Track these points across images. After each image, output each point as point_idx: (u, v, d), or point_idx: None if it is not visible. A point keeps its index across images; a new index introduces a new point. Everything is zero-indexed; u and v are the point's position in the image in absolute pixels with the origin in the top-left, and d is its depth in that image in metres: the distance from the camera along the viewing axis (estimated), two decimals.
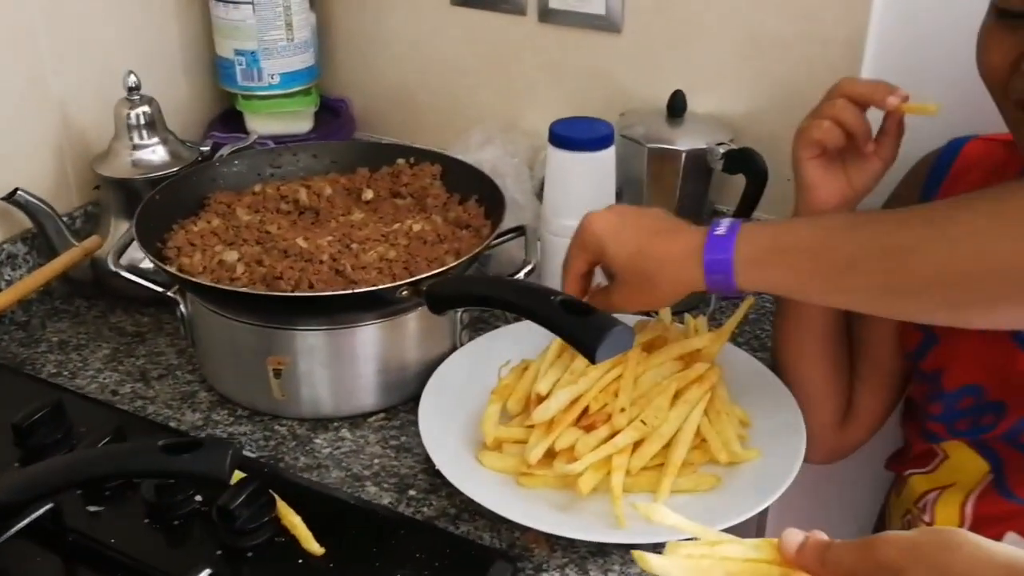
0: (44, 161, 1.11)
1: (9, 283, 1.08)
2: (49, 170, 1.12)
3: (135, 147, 1.07)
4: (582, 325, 0.68)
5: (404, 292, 0.84)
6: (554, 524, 0.77)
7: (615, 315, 0.72)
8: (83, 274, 1.09)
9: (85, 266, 1.07)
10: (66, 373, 1.00)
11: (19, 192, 1.04)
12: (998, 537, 0.83)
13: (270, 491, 0.79)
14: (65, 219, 1.09)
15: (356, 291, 0.83)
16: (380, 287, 0.83)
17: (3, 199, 1.04)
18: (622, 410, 0.82)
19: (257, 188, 1.04)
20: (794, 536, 0.57)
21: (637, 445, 0.83)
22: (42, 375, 1.00)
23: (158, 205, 0.97)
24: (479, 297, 0.78)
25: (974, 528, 0.77)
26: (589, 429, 0.82)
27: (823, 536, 0.57)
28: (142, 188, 1.04)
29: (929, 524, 0.91)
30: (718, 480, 0.83)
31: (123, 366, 1.01)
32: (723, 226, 0.75)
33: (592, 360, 0.67)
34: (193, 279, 0.86)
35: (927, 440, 0.91)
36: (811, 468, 0.85)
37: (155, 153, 1.08)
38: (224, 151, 1.11)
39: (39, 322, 1.09)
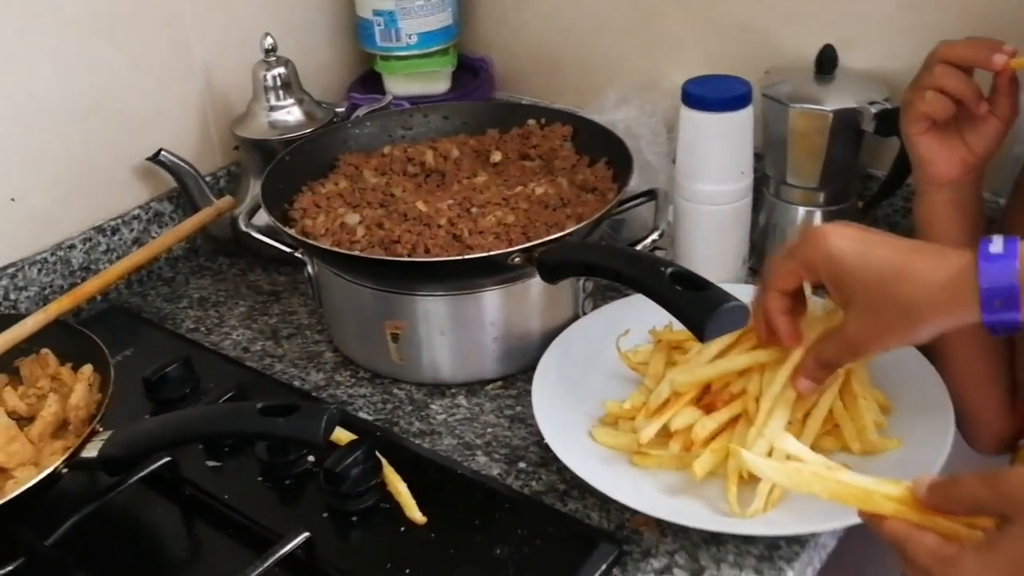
0: (188, 123, 1.15)
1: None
2: (193, 132, 1.15)
3: (271, 108, 1.08)
4: (691, 299, 0.63)
5: (516, 259, 0.81)
6: (664, 508, 0.73)
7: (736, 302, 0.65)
8: (224, 233, 1.12)
9: (225, 225, 1.10)
10: (203, 329, 1.04)
11: (163, 153, 1.07)
12: None
13: (377, 455, 0.79)
14: (209, 179, 1.12)
15: (465, 257, 0.81)
16: (490, 253, 0.81)
17: (148, 159, 1.07)
18: (744, 391, 0.77)
19: (386, 150, 1.03)
20: (925, 478, 0.56)
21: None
22: (181, 330, 1.03)
23: (287, 166, 0.98)
24: (588, 265, 0.74)
25: None
26: (709, 410, 0.78)
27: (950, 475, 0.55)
28: (277, 148, 1.06)
29: None
30: (848, 468, 0.76)
31: (256, 324, 1.04)
32: (997, 243, 0.61)
33: (701, 338, 0.62)
34: (310, 241, 0.86)
35: None
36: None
37: (291, 114, 1.09)
38: (358, 112, 1.11)
39: (183, 278, 1.13)
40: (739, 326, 0.62)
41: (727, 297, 0.62)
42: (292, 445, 0.78)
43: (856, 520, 0.70)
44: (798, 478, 0.56)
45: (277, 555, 0.70)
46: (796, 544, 0.73)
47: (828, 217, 1.01)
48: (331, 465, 0.76)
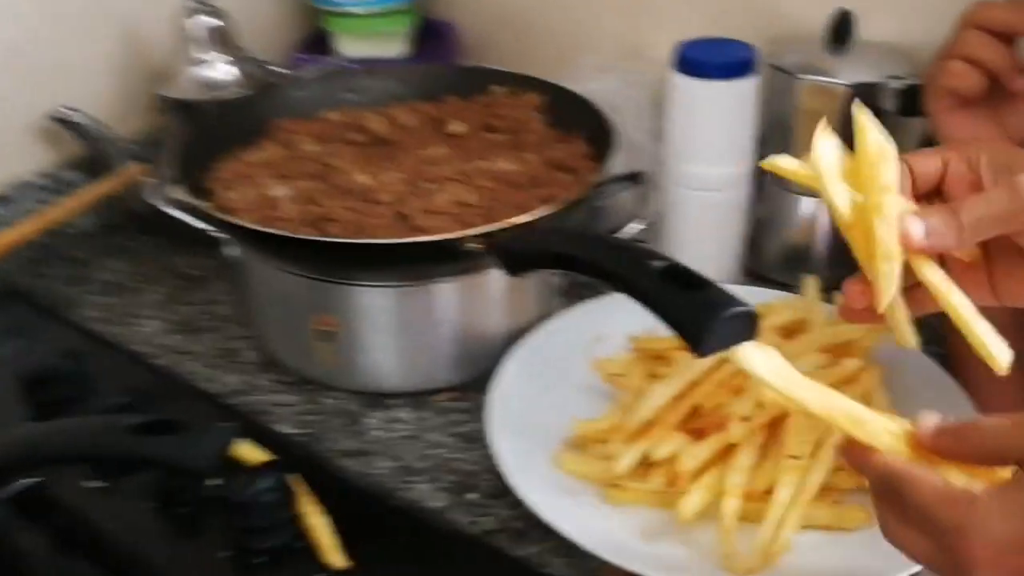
0: (104, 80, 0.99)
1: None
2: (110, 90, 1.00)
3: (199, 65, 0.94)
4: (686, 302, 0.49)
5: (473, 245, 0.66)
6: (642, 560, 0.59)
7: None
8: (148, 208, 0.97)
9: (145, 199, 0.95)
10: (108, 319, 0.89)
11: (68, 111, 0.92)
12: None
13: (291, 485, 0.64)
14: (133, 145, 0.97)
15: (412, 241, 0.66)
16: (442, 237, 0.66)
17: (54, 119, 0.92)
18: (744, 419, 0.63)
19: (328, 115, 0.89)
20: (931, 418, 0.47)
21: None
22: (81, 320, 0.88)
23: (210, 129, 0.83)
24: (558, 256, 0.60)
25: None
26: (699, 436, 0.64)
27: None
28: (207, 111, 0.91)
29: None
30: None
31: (172, 314, 0.89)
32: None
33: (697, 351, 0.48)
34: (223, 216, 0.71)
35: None
36: None
37: (224, 73, 0.94)
38: (300, 73, 0.96)
39: (93, 259, 0.98)
40: (747, 337, 0.48)
41: (732, 300, 0.48)
42: (174, 473, 0.64)
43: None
44: (793, 382, 0.47)
45: None
46: None
47: None
48: (231, 495, 0.61)
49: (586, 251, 0.56)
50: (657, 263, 0.52)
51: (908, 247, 0.48)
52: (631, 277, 0.52)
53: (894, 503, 0.46)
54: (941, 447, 0.46)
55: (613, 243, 0.56)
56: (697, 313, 0.48)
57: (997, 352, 0.47)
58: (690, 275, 0.51)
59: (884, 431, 0.47)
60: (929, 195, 0.52)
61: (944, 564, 0.45)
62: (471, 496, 0.68)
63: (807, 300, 0.77)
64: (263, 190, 0.76)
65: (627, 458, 0.63)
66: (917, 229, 0.48)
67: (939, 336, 0.81)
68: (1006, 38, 0.65)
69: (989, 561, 0.42)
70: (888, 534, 0.47)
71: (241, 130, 0.86)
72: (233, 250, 0.80)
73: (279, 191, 0.76)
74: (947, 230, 0.49)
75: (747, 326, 0.48)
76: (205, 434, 0.52)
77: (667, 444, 0.64)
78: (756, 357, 0.47)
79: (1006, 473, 0.45)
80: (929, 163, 0.52)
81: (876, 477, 0.47)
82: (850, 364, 0.68)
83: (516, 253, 0.63)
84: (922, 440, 0.46)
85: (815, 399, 0.48)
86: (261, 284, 0.79)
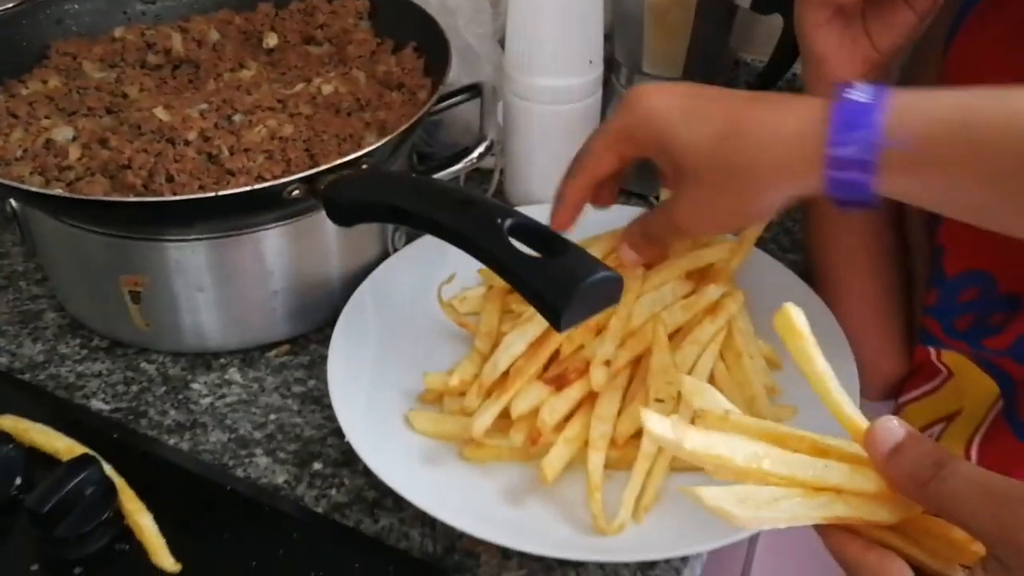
0: None
1: None
2: None
3: None
4: (541, 270, 0.43)
5: (295, 192, 0.58)
6: (504, 528, 0.55)
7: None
8: None
9: None
10: None
11: None
12: None
13: (110, 478, 0.57)
14: None
15: (220, 194, 0.57)
16: (257, 187, 0.58)
17: None
18: (606, 363, 0.59)
19: (117, 33, 0.77)
20: (891, 431, 0.41)
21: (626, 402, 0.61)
22: None
23: None
24: (394, 210, 0.52)
25: None
26: (559, 387, 0.59)
27: (930, 444, 0.40)
28: None
29: None
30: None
31: None
32: (860, 92, 0.48)
33: (556, 325, 0.42)
34: None
35: (923, 342, 0.70)
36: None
37: None
38: None
39: None
40: (609, 304, 0.43)
41: (593, 265, 0.43)
42: None
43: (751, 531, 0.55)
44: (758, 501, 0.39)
45: None
46: (677, 559, 0.57)
47: None
48: (36, 504, 0.53)
49: (426, 207, 0.49)
50: (506, 220, 0.45)
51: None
52: (477, 238, 0.46)
53: None
54: (897, 480, 0.40)
55: (455, 196, 0.49)
56: (555, 282, 0.42)
57: (856, 417, 0.43)
58: (544, 234, 0.45)
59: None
60: None
61: None
62: (316, 466, 0.62)
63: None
64: (42, 133, 0.65)
65: (485, 416, 0.58)
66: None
67: (798, 243, 0.79)
68: None
69: None
70: None
71: (11, 56, 0.73)
72: (14, 204, 0.69)
73: (62, 133, 0.65)
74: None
75: (610, 293, 0.42)
76: None
77: (527, 397, 0.59)
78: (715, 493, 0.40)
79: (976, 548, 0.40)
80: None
81: (834, 558, 0.43)
82: (713, 291, 0.64)
83: (345, 204, 0.55)
84: (874, 458, 0.41)
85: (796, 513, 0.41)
86: (54, 242, 0.68)
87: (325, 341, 0.66)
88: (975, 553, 0.40)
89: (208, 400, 0.66)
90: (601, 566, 0.56)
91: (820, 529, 0.42)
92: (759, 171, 0.51)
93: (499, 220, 0.45)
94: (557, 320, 0.42)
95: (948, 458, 0.39)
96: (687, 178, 0.53)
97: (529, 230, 0.45)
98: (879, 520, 0.41)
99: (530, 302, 0.44)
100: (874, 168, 0.48)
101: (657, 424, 0.38)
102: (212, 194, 0.57)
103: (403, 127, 0.63)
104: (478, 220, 0.46)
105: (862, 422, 0.42)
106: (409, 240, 0.74)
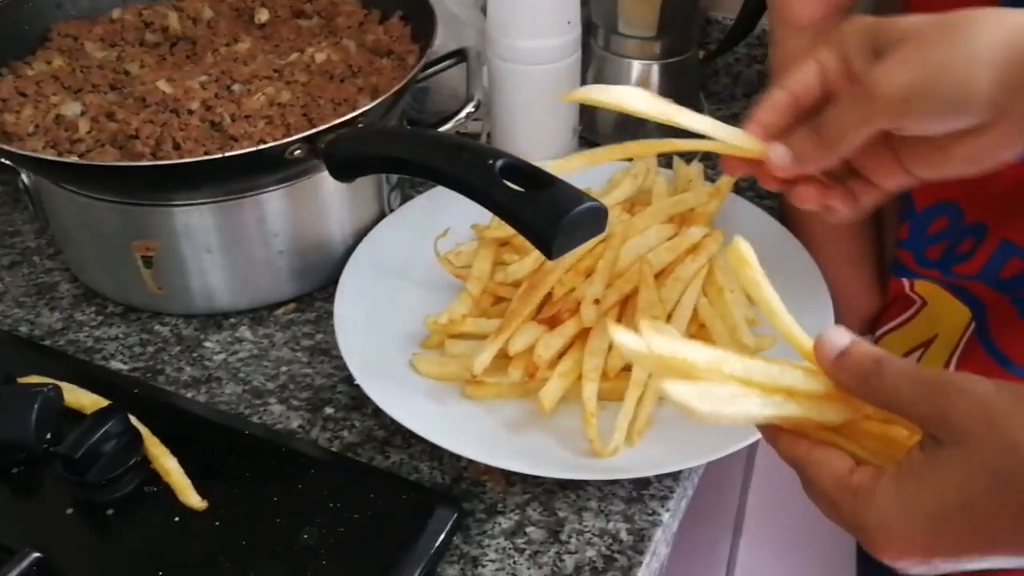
0: None
1: None
2: None
3: None
4: (531, 202, 0.47)
5: (297, 152, 0.62)
6: (507, 454, 0.59)
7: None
8: None
9: None
10: None
11: None
12: None
13: (135, 423, 0.60)
14: None
15: (227, 155, 0.61)
16: (261, 147, 0.61)
17: None
18: (595, 302, 0.63)
19: (115, 14, 0.80)
20: (836, 339, 0.43)
21: None
22: None
23: None
24: (391, 160, 0.56)
25: None
26: (553, 325, 0.63)
27: (870, 347, 0.42)
28: None
29: None
30: None
31: None
32: None
33: (548, 253, 0.46)
34: (4, 146, 0.63)
35: (897, 274, 0.74)
36: None
37: None
38: None
39: None
40: (596, 233, 0.46)
41: (579, 197, 0.46)
42: None
43: (743, 443, 0.59)
44: (679, 347, 0.42)
45: None
46: (669, 478, 0.61)
47: (667, 71, 0.87)
48: (68, 450, 0.57)
49: (421, 153, 0.53)
50: (497, 161, 0.49)
51: (783, 174, 0.50)
52: (471, 179, 0.49)
53: (803, 484, 0.45)
54: (841, 379, 0.43)
55: (448, 142, 0.53)
56: (545, 214, 0.46)
57: (803, 336, 0.45)
58: (533, 172, 0.48)
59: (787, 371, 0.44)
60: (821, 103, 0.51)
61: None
62: (328, 411, 0.66)
63: (646, 166, 0.76)
64: (51, 109, 0.68)
65: (484, 355, 0.62)
66: (780, 155, 0.50)
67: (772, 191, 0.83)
68: None
69: (891, 553, 0.41)
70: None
71: (14, 39, 0.76)
72: (26, 178, 0.73)
73: (71, 108, 0.68)
74: (813, 150, 0.50)
75: (596, 221, 0.46)
76: (20, 405, 0.47)
77: (523, 336, 0.62)
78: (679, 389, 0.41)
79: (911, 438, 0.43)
80: (805, 77, 0.51)
81: (784, 458, 0.45)
82: (694, 232, 0.68)
83: (345, 159, 0.59)
84: (821, 363, 0.44)
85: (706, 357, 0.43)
86: (67, 213, 0.72)
87: (329, 298, 0.70)
88: (878, 430, 0.44)
89: (221, 356, 0.70)
90: (599, 487, 0.60)
91: (771, 432, 0.45)
92: (978, 31, 0.46)
93: (491, 161, 0.49)
94: (548, 249, 0.46)
95: (885, 356, 0.42)
96: (908, 46, 0.47)
97: (519, 169, 0.49)
98: (827, 420, 0.43)
99: (523, 234, 0.47)
100: None
101: (625, 337, 0.41)
102: (220, 155, 0.60)
103: (395, 88, 0.66)
104: (471, 162, 0.49)
105: (808, 340, 0.45)
106: (404, 201, 0.78)
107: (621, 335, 0.41)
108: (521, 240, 0.70)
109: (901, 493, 0.41)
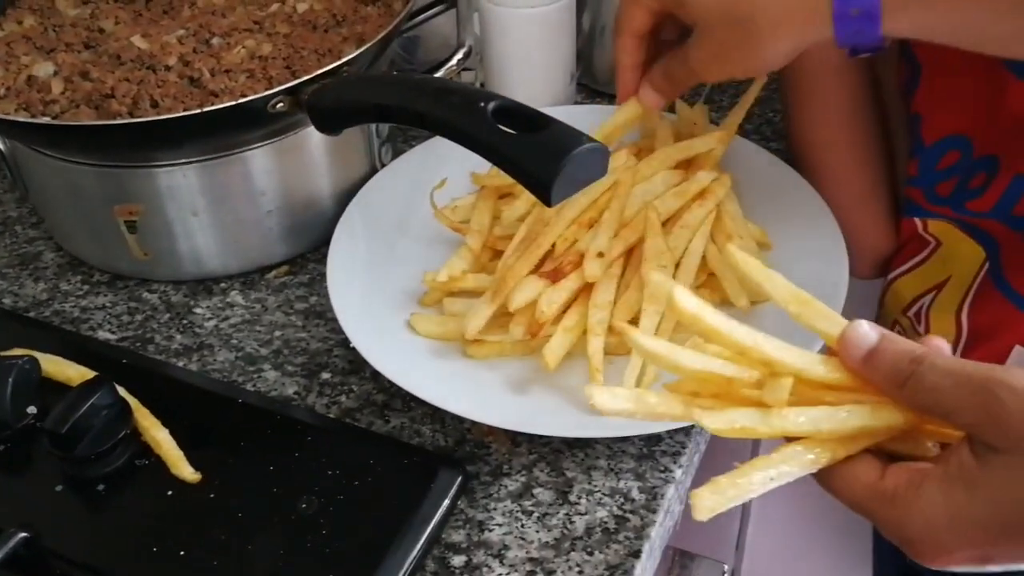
0: None
1: None
2: None
3: None
4: (527, 146, 0.44)
5: (280, 105, 0.59)
6: (512, 415, 0.56)
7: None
8: None
9: None
10: None
11: None
12: (1005, 352, 0.64)
13: (124, 398, 0.58)
14: None
15: (208, 109, 0.58)
16: (242, 100, 0.58)
17: None
18: (599, 255, 0.60)
19: None
20: (863, 336, 0.40)
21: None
22: None
23: None
24: (378, 108, 0.53)
25: (972, 342, 0.65)
26: (555, 279, 0.60)
27: (904, 343, 0.40)
28: None
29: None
30: None
31: None
32: None
33: (547, 200, 0.43)
34: None
35: (908, 213, 0.71)
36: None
37: None
38: None
39: None
40: (596, 176, 0.43)
41: (578, 137, 0.43)
42: None
43: None
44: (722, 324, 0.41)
45: None
46: (680, 433, 0.58)
47: None
48: (54, 425, 0.54)
49: (408, 99, 0.50)
50: (489, 103, 0.46)
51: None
52: (461, 123, 0.46)
53: (833, 494, 0.42)
54: (875, 379, 0.40)
55: (435, 86, 0.49)
56: (542, 157, 0.43)
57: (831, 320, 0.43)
58: (527, 113, 0.45)
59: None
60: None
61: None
62: (324, 376, 0.63)
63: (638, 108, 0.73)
64: (23, 70, 0.65)
65: (478, 317, 0.59)
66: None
67: (780, 132, 0.80)
68: None
69: (941, 561, 0.39)
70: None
71: None
72: (4, 143, 0.70)
73: (43, 69, 0.65)
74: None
75: (597, 163, 0.43)
76: None
77: (525, 291, 0.60)
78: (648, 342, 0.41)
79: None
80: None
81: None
82: (703, 177, 0.65)
83: (329, 109, 0.56)
84: (848, 362, 0.41)
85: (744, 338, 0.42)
86: (46, 179, 0.69)
87: (322, 260, 0.67)
88: (938, 432, 0.41)
89: (212, 323, 0.67)
90: (608, 445, 0.58)
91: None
92: (763, 22, 0.54)
93: (482, 104, 0.46)
94: (547, 194, 0.43)
95: (924, 353, 0.39)
96: (699, 29, 0.57)
97: (513, 111, 0.46)
98: (854, 425, 0.41)
99: (519, 180, 0.44)
100: (878, 14, 0.51)
101: (686, 296, 0.40)
102: (199, 110, 0.57)
103: (381, 35, 0.63)
104: (461, 106, 0.46)
105: (837, 327, 0.42)
106: (396, 156, 0.75)
107: (682, 294, 0.39)
108: (521, 189, 0.68)
109: (951, 501, 0.38)
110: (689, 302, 0.40)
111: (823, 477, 0.41)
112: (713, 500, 0.39)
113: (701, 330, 0.41)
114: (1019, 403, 0.36)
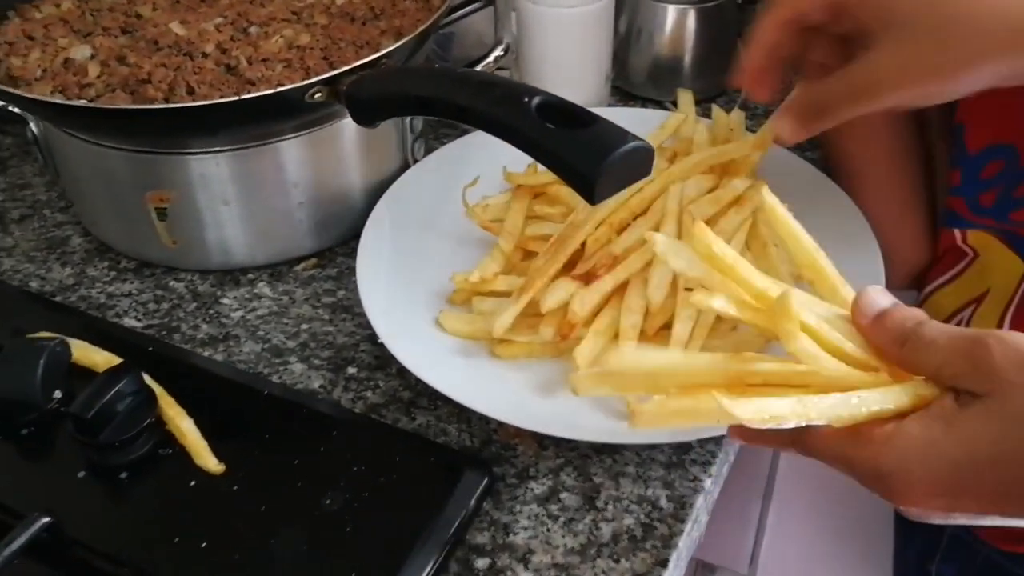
0: None
1: None
2: None
3: None
4: (572, 142, 0.43)
5: (317, 95, 0.58)
6: (539, 416, 0.56)
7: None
8: None
9: None
10: None
11: None
12: None
13: (149, 383, 0.57)
14: None
15: (245, 98, 0.57)
16: (280, 89, 0.58)
17: None
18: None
19: None
20: (878, 299, 0.43)
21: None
22: None
23: None
24: (418, 100, 0.52)
25: None
26: (588, 281, 0.59)
27: (913, 310, 0.42)
28: None
29: None
30: (765, 341, 0.60)
31: None
32: None
33: (590, 197, 0.42)
34: (15, 91, 0.60)
35: (950, 224, 0.69)
36: None
37: None
38: None
39: None
40: (641, 175, 0.43)
41: (623, 136, 0.43)
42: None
43: None
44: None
45: (5, 552, 0.48)
46: (711, 442, 0.57)
47: (702, 15, 0.82)
48: (79, 410, 0.54)
49: (449, 91, 0.49)
50: (533, 99, 0.45)
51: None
52: (504, 117, 0.46)
53: (809, 453, 0.43)
54: (879, 338, 0.42)
55: (477, 80, 0.49)
56: (586, 154, 0.42)
57: (845, 289, 0.45)
58: (571, 110, 0.44)
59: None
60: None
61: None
62: (351, 371, 0.63)
63: (685, 116, 0.72)
64: (60, 52, 0.65)
65: (505, 316, 0.59)
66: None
67: (815, 142, 0.79)
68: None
69: (910, 498, 0.40)
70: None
71: None
72: (35, 126, 0.69)
73: (80, 52, 0.65)
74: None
75: (642, 162, 0.42)
76: (24, 358, 0.44)
77: (556, 292, 0.59)
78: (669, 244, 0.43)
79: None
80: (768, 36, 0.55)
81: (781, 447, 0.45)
82: (739, 184, 0.64)
83: (367, 100, 0.55)
84: (858, 322, 0.43)
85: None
86: (78, 163, 0.68)
87: (351, 254, 0.67)
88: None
89: (239, 314, 0.67)
90: (637, 452, 0.57)
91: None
92: (960, 29, 0.48)
93: (526, 98, 0.45)
94: (591, 192, 0.42)
95: (927, 319, 0.41)
96: (895, 32, 0.50)
97: (556, 107, 0.45)
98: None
99: (561, 176, 0.44)
100: None
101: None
102: (236, 98, 0.57)
103: (419, 30, 0.62)
104: (504, 99, 0.46)
105: (850, 292, 0.44)
106: (428, 152, 0.74)
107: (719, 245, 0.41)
108: (556, 190, 0.67)
109: (927, 434, 0.39)
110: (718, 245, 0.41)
111: (798, 438, 0.42)
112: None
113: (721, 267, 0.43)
114: (1004, 350, 0.38)
